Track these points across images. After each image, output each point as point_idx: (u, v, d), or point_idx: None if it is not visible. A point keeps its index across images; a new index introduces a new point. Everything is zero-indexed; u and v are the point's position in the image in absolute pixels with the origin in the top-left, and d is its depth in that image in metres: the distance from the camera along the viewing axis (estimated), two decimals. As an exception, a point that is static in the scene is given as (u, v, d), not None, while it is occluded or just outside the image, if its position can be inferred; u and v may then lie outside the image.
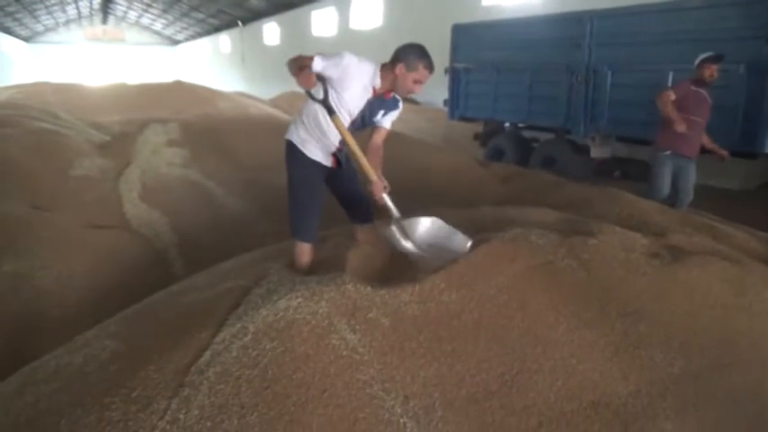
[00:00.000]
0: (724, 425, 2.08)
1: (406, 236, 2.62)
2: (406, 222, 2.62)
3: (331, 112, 2.52)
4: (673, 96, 4.54)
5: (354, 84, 2.53)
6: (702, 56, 4.67)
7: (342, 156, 2.74)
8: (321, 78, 2.51)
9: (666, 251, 2.91)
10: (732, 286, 2.70)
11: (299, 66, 2.46)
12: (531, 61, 7.65)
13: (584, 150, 7.11)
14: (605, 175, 7.02)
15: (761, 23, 5.16)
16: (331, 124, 2.56)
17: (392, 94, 2.67)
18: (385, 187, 2.60)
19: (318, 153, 2.68)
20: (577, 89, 6.96)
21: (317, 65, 2.46)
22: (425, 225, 2.66)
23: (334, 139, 2.63)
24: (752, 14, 5.26)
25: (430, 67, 2.57)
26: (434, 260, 2.50)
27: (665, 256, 2.83)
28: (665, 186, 4.84)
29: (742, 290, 2.70)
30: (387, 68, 2.58)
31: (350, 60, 2.49)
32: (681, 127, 4.43)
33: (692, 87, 4.65)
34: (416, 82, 2.57)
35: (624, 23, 6.50)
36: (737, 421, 2.12)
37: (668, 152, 4.76)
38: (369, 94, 2.59)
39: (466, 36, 8.90)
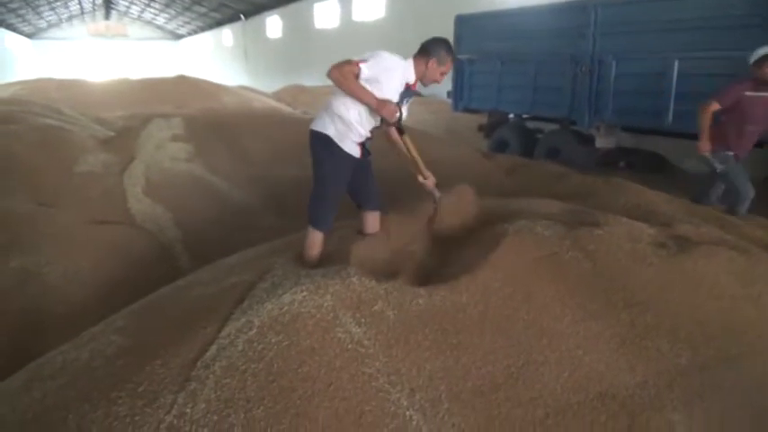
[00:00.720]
0: (731, 416, 2.07)
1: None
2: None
3: (402, 132, 2.81)
4: (715, 106, 4.20)
5: (393, 83, 2.67)
6: (761, 51, 4.15)
7: (368, 144, 2.84)
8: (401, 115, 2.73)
9: (673, 241, 2.88)
10: (739, 277, 2.67)
11: (363, 92, 2.58)
12: (534, 52, 7.60)
13: (588, 141, 7.07)
14: (610, 166, 6.98)
15: (765, 11, 5.10)
16: (365, 117, 2.69)
17: (416, 86, 2.83)
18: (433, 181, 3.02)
19: (353, 146, 2.75)
20: (582, 79, 6.91)
21: (366, 71, 2.57)
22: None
23: (366, 131, 2.75)
24: (757, 1, 5.20)
25: (453, 59, 2.81)
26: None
27: (672, 247, 2.80)
28: (748, 183, 4.42)
29: (750, 280, 2.67)
30: (418, 62, 2.75)
31: (389, 60, 2.65)
32: (703, 148, 4.24)
33: (748, 92, 4.17)
34: (443, 74, 2.79)
35: (628, 12, 6.44)
36: (745, 412, 2.11)
37: (730, 152, 4.36)
38: (401, 88, 2.74)
39: (469, 27, 8.85)
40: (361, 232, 2.94)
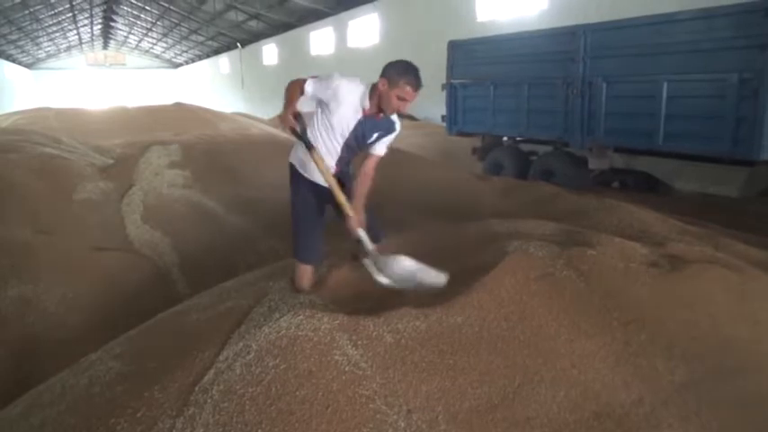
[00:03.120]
0: (728, 432, 2.08)
1: (381, 270, 2.50)
2: (381, 258, 2.53)
3: (309, 147, 2.54)
4: None
5: (344, 106, 2.52)
6: None
7: (344, 176, 2.73)
8: (301, 114, 2.58)
9: (666, 260, 2.91)
10: (733, 294, 2.70)
11: (290, 98, 2.54)
12: (527, 75, 7.73)
13: (582, 162, 7.16)
14: (604, 186, 7.05)
15: (753, 33, 5.22)
16: (330, 147, 2.60)
17: (383, 116, 2.59)
18: (361, 222, 2.56)
19: (317, 174, 2.63)
20: (573, 102, 7.03)
21: (309, 88, 2.54)
22: (400, 261, 2.53)
23: (332, 160, 2.64)
24: (744, 24, 5.33)
25: (413, 83, 2.46)
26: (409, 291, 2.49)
27: (665, 266, 2.83)
28: None
29: (743, 298, 2.70)
30: (374, 87, 2.54)
31: (339, 82, 2.51)
32: None
33: None
34: (400, 99, 2.48)
35: (618, 36, 6.58)
36: (742, 428, 2.12)
37: None
38: (359, 115, 2.56)
39: (462, 52, 9.00)
40: (354, 257, 2.89)
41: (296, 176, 2.73)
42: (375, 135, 2.63)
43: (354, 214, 2.54)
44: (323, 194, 2.68)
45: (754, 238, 4.03)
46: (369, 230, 2.61)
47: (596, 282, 2.61)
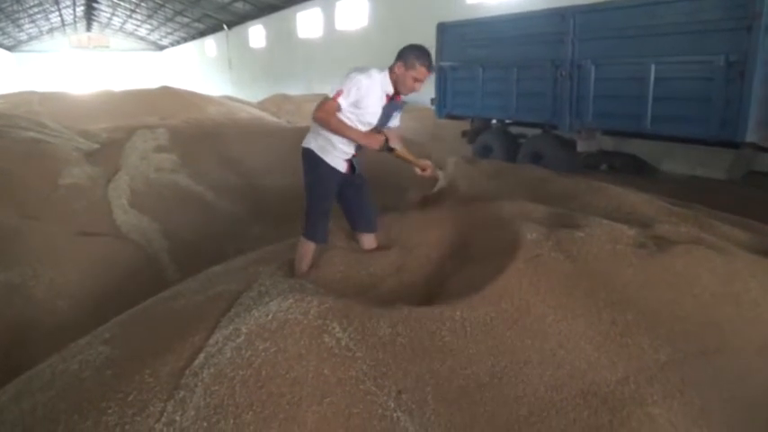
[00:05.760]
0: (710, 409, 2.12)
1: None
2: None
3: (391, 150, 2.81)
4: None
5: (371, 99, 2.69)
6: None
7: (356, 161, 2.88)
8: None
9: (652, 242, 2.94)
10: (718, 275, 2.73)
11: (344, 126, 2.68)
12: (515, 58, 7.70)
13: (570, 145, 7.17)
14: (592, 169, 7.08)
15: (740, 14, 5.22)
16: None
17: (401, 97, 2.82)
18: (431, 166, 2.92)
19: (336, 160, 2.80)
20: (562, 84, 7.01)
21: (343, 103, 2.65)
22: None
23: (350, 148, 2.79)
24: (732, 5, 5.32)
25: (428, 65, 2.70)
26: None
27: (652, 247, 2.86)
28: None
29: (728, 278, 2.73)
30: (390, 71, 2.73)
31: (359, 79, 2.65)
32: None
33: None
34: (416, 80, 2.71)
35: (606, 18, 6.55)
36: (724, 406, 2.17)
37: None
38: (384, 102, 2.75)
39: (451, 35, 8.94)
40: (356, 239, 3.00)
41: (315, 161, 2.82)
42: (394, 114, 2.88)
43: (425, 163, 2.89)
44: (338, 179, 2.85)
45: (739, 220, 4.07)
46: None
47: (584, 263, 2.63)
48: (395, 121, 2.93)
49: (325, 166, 2.80)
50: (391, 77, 2.73)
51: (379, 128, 2.82)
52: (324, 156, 2.79)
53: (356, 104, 2.67)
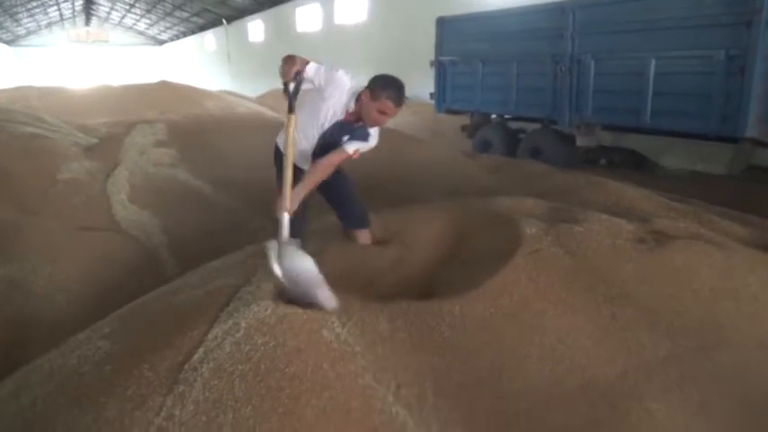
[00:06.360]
0: (709, 405, 2.13)
1: (279, 260, 2.27)
2: (287, 249, 2.31)
3: (291, 110, 2.44)
4: None
5: (336, 96, 2.55)
6: None
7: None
8: (299, 84, 2.50)
9: (652, 237, 2.94)
10: (717, 270, 2.73)
11: (297, 59, 2.50)
12: (515, 52, 7.70)
13: (569, 140, 7.17)
14: (591, 164, 7.08)
15: (740, 9, 5.22)
16: (307, 133, 2.62)
17: (361, 124, 2.61)
18: (291, 209, 2.39)
19: (299, 158, 2.66)
20: (562, 79, 7.01)
21: (310, 70, 2.49)
22: (302, 262, 2.25)
23: (310, 141, 2.67)
24: (732, 0, 5.32)
25: (394, 99, 2.48)
26: (289, 293, 2.27)
27: (651, 242, 2.86)
28: None
29: (727, 273, 2.73)
30: (358, 97, 2.56)
31: (342, 76, 2.53)
32: None
33: None
34: (380, 113, 2.50)
35: (606, 13, 6.55)
36: (723, 401, 2.17)
37: None
38: (341, 115, 2.59)
39: (450, 29, 8.93)
40: (349, 237, 2.97)
41: (278, 155, 2.76)
42: (345, 137, 2.64)
43: (289, 198, 2.37)
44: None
45: (737, 215, 4.08)
46: (293, 222, 2.42)
47: (583, 258, 2.63)
48: (348, 146, 2.61)
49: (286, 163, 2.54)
50: (356, 104, 2.55)
51: (326, 141, 2.65)
52: (286, 151, 2.48)
53: (323, 90, 2.53)
